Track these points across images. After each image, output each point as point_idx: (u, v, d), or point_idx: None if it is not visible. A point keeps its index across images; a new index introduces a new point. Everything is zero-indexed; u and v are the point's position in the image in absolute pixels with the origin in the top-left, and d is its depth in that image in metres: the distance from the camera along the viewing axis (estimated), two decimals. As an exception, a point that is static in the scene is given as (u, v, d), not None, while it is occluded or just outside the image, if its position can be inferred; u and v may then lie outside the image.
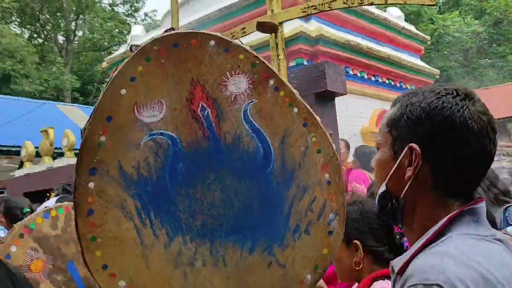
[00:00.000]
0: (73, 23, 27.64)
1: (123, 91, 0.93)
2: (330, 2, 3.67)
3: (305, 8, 3.90)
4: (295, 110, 0.92)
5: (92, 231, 0.88)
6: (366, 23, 7.87)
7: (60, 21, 27.29)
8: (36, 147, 9.01)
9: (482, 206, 0.93)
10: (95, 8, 27.83)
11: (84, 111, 19.04)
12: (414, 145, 0.92)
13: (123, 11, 30.12)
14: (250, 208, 0.91)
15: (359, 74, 7.58)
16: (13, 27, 26.23)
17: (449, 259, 0.80)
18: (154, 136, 0.90)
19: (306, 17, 5.82)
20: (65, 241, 1.46)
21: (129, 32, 27.41)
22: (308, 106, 0.95)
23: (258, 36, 5.24)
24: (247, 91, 0.93)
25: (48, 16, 26.69)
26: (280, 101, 0.93)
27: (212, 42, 0.97)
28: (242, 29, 4.45)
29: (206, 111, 0.92)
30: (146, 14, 30.44)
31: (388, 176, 0.96)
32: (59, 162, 7.94)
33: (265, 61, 0.97)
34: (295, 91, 0.95)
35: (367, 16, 7.81)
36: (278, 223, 0.91)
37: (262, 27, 4.06)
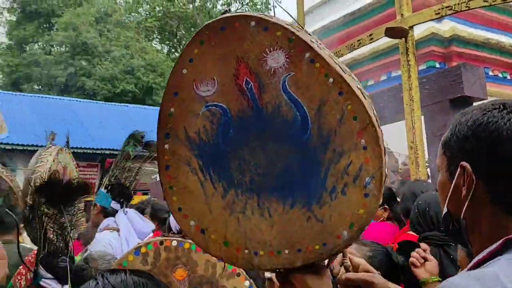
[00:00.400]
0: (205, 37, 29.75)
1: (185, 71, 1.13)
2: (468, 1, 3.40)
3: (438, 9, 3.67)
4: (330, 80, 0.97)
5: (169, 182, 1.16)
6: (508, 18, 7.10)
7: (194, 35, 29.57)
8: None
9: None
10: (224, 21, 29.56)
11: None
12: (465, 164, 0.92)
13: (249, 22, 31.46)
14: (290, 170, 1.05)
15: (500, 75, 6.86)
16: (154, 44, 29.20)
17: (477, 282, 0.76)
18: (209, 107, 1.11)
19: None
20: (155, 275, 1.58)
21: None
22: (343, 76, 0.99)
23: (385, 40, 5.06)
24: (285, 64, 1.03)
25: (183, 32, 29.14)
26: (316, 72, 1.00)
27: (253, 23, 1.05)
28: (370, 35, 4.35)
29: (250, 84, 1.07)
30: (270, 24, 31.33)
31: (447, 198, 0.96)
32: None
33: (301, 35, 1.03)
34: (330, 61, 1.00)
35: (510, 11, 7.05)
36: (316, 184, 1.02)
37: (392, 32, 3.93)
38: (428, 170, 4.10)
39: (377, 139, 0.98)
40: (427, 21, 3.95)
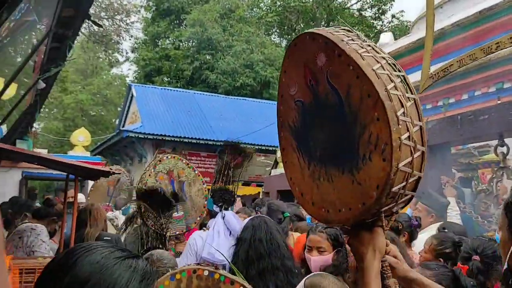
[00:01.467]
0: (323, 30, 29.48)
1: (283, 79, 1.53)
2: None
3: None
4: (351, 68, 1.22)
5: (285, 159, 1.56)
6: None
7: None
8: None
9: None
10: (344, 14, 29.00)
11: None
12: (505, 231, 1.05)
13: (370, 15, 30.45)
14: (339, 143, 1.32)
15: None
16: (273, 38, 29.79)
17: None
18: (296, 102, 1.48)
19: None
20: None
21: (375, 35, 27.61)
22: (357, 62, 1.21)
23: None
24: (325, 62, 1.32)
25: (302, 26, 29.24)
26: (342, 64, 1.25)
27: (307, 37, 1.37)
28: (510, 38, 3.92)
29: (311, 81, 1.40)
30: (393, 16, 29.91)
31: (508, 255, 1.06)
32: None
33: (332, 38, 1.29)
34: (350, 52, 1.23)
35: None
36: (354, 153, 1.25)
37: (539, 36, 3.50)
38: None
39: (385, 111, 1.15)
40: None
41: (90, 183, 7.73)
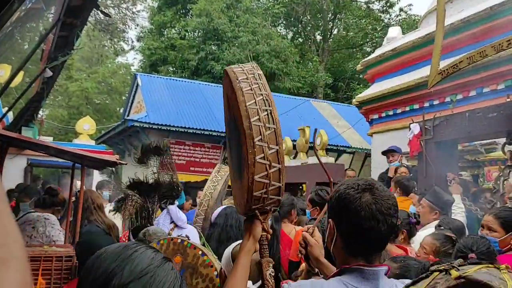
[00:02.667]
0: (330, 23, 29.31)
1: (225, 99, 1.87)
2: None
3: None
4: (236, 102, 1.61)
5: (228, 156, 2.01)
6: None
7: (319, 21, 29.33)
8: (294, 140, 10.01)
9: (374, 269, 1.41)
10: (352, 7, 28.77)
11: (335, 108, 20.07)
12: (330, 220, 1.52)
13: (378, 8, 30.20)
14: (238, 157, 1.65)
15: None
16: (280, 29, 29.61)
17: (311, 284, 1.47)
18: (226, 119, 1.89)
19: None
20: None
21: (382, 28, 27.39)
22: (237, 99, 1.55)
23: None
24: (231, 95, 1.67)
25: (309, 17, 29.05)
26: (235, 98, 1.63)
27: (225, 72, 1.69)
28: (508, 40, 3.87)
29: (229, 107, 1.75)
30: (401, 9, 29.68)
31: (327, 238, 1.55)
32: (312, 159, 8.62)
33: (231, 77, 1.61)
34: (236, 90, 1.57)
35: None
36: (241, 166, 1.61)
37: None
38: None
39: (245, 137, 1.50)
40: None
41: (95, 172, 7.76)
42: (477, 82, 6.64)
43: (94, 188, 6.61)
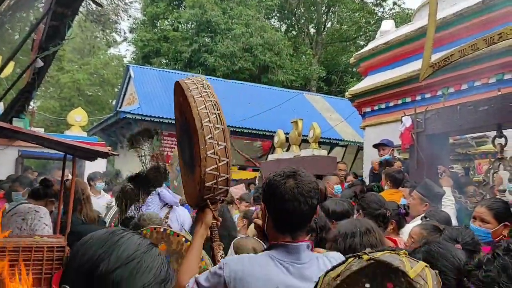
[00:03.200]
0: (324, 16, 29.26)
1: (174, 102, 2.22)
2: None
3: None
4: (188, 108, 1.94)
5: (179, 156, 2.29)
6: None
7: (313, 14, 29.26)
8: (286, 133, 10.01)
9: (296, 244, 1.67)
10: (345, 0, 28.73)
11: (328, 101, 20.10)
12: (262, 203, 1.77)
13: (371, 1, 30.20)
14: (190, 155, 1.96)
15: None
16: (273, 22, 29.52)
17: (245, 257, 1.74)
18: (178, 121, 2.23)
19: None
20: None
21: (375, 22, 27.39)
22: (189, 104, 1.87)
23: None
24: (182, 101, 2.02)
25: (303, 10, 28.98)
26: (187, 104, 1.94)
27: (178, 82, 2.03)
28: (499, 34, 3.89)
29: (181, 111, 2.10)
30: (394, 3, 29.68)
31: (262, 219, 1.81)
32: (305, 152, 8.64)
33: (183, 87, 1.95)
34: (188, 97, 1.91)
35: None
36: (193, 162, 1.92)
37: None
38: None
39: (197, 136, 1.80)
40: None
41: (87, 163, 7.72)
42: (469, 75, 6.68)
43: (85, 180, 6.58)
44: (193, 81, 1.93)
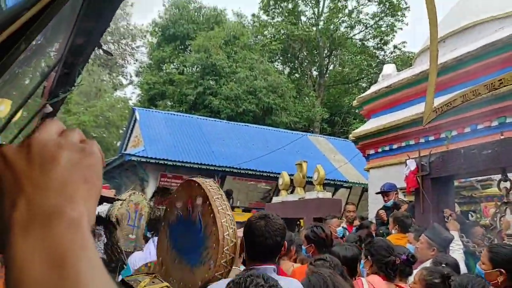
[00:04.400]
0: (326, 59, 29.90)
1: (175, 195, 2.50)
2: None
3: None
4: (211, 215, 2.11)
5: (160, 235, 2.56)
6: None
7: (315, 57, 29.91)
8: (291, 175, 9.98)
9: (263, 267, 2.07)
10: (347, 44, 29.44)
11: (331, 142, 20.19)
12: (241, 237, 2.18)
13: (372, 45, 30.91)
14: (191, 248, 2.16)
15: None
16: (276, 65, 30.16)
17: (221, 282, 1.98)
18: (177, 211, 2.37)
19: None
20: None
21: (377, 64, 27.94)
22: (215, 215, 2.09)
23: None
24: (201, 203, 2.23)
25: (305, 54, 29.65)
26: (208, 210, 2.18)
27: (196, 183, 2.26)
28: (499, 80, 3.97)
29: (189, 207, 2.32)
30: (395, 47, 30.37)
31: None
32: (309, 194, 8.61)
33: (207, 194, 2.15)
34: (213, 207, 2.12)
35: None
36: (197, 258, 2.11)
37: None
38: None
39: (218, 250, 2.00)
40: None
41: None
42: (472, 119, 6.75)
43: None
44: (212, 187, 2.22)
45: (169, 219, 2.40)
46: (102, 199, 3.85)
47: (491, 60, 6.57)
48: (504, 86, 3.97)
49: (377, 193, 6.56)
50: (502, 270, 2.77)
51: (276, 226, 2.14)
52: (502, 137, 4.43)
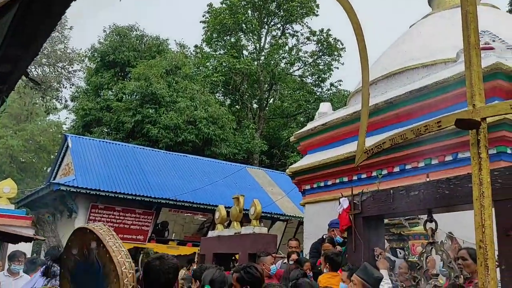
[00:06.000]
0: (267, 93, 30.54)
1: (69, 243, 2.64)
2: (548, 101, 3.23)
3: (515, 104, 3.51)
4: (107, 255, 2.37)
5: (61, 279, 2.72)
6: None
7: (256, 91, 30.46)
8: (228, 207, 9.86)
9: None
10: (287, 79, 30.32)
11: (269, 175, 20.37)
12: (141, 275, 2.60)
13: (311, 81, 32.06)
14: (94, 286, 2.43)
15: None
16: (218, 96, 30.33)
17: None
18: (74, 257, 2.60)
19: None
20: None
21: (314, 100, 28.94)
22: (110, 254, 2.37)
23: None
24: (95, 246, 2.43)
25: (246, 87, 30.12)
26: (104, 251, 2.41)
27: (88, 230, 2.49)
28: (438, 122, 4.21)
29: (85, 252, 2.50)
30: (331, 84, 31.69)
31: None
32: (245, 229, 8.53)
33: (100, 237, 2.40)
34: (107, 247, 2.39)
35: None
36: None
37: (462, 123, 3.78)
38: (498, 271, 3.80)
39: (119, 280, 2.25)
40: (501, 114, 3.77)
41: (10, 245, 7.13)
42: (400, 159, 7.09)
43: (6, 259, 6.06)
44: (104, 231, 2.54)
45: (68, 265, 2.64)
46: (21, 239, 3.54)
47: (417, 105, 6.99)
48: (429, 132, 4.18)
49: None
50: None
51: (169, 265, 2.53)
52: (428, 179, 4.65)
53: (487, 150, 3.83)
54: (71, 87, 28.82)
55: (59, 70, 29.06)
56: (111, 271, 2.39)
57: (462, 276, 4.46)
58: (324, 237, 6.52)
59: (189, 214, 15.91)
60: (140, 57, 26.97)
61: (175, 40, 54.43)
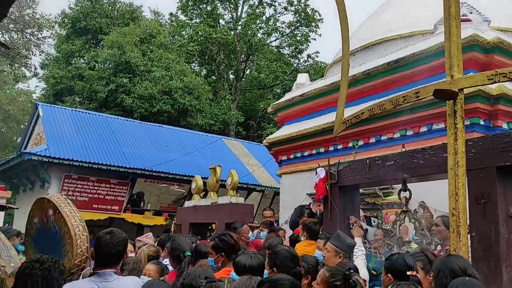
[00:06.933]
0: (243, 63, 30.22)
1: (31, 213, 3.38)
2: (524, 71, 3.28)
3: (492, 75, 3.54)
4: (62, 220, 3.03)
5: (26, 248, 3.64)
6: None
7: (233, 61, 30.09)
8: (204, 178, 9.84)
9: (104, 271, 2.63)
10: (264, 50, 30.00)
11: (246, 146, 20.39)
12: (92, 249, 2.84)
13: (287, 52, 31.84)
14: (51, 248, 2.99)
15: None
16: (193, 66, 29.84)
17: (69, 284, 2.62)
18: (36, 225, 3.38)
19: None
20: None
21: (291, 72, 28.82)
22: (64, 218, 3.02)
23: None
24: (52, 213, 3.08)
25: (223, 57, 29.69)
26: (60, 216, 3.10)
27: (45, 200, 3.20)
28: (416, 93, 4.24)
29: (44, 219, 3.15)
30: (309, 56, 31.55)
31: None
32: (222, 199, 8.57)
33: (56, 204, 3.08)
34: (62, 212, 3.07)
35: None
36: (60, 251, 3.02)
37: (440, 94, 3.82)
38: (469, 237, 3.93)
39: (71, 239, 2.90)
40: (478, 85, 3.83)
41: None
42: (376, 130, 7.16)
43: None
44: (60, 199, 3.01)
45: (31, 234, 3.02)
46: (-8, 207, 3.46)
47: (394, 76, 7.03)
48: (408, 102, 4.22)
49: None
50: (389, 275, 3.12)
51: (119, 239, 2.72)
52: (403, 149, 4.72)
53: (463, 121, 3.89)
54: (40, 55, 27.90)
55: (27, 36, 27.96)
56: (65, 233, 2.79)
57: (433, 242, 4.61)
58: (306, 207, 6.58)
59: (164, 185, 15.84)
60: (113, 24, 26.14)
61: (149, 8, 52.96)
